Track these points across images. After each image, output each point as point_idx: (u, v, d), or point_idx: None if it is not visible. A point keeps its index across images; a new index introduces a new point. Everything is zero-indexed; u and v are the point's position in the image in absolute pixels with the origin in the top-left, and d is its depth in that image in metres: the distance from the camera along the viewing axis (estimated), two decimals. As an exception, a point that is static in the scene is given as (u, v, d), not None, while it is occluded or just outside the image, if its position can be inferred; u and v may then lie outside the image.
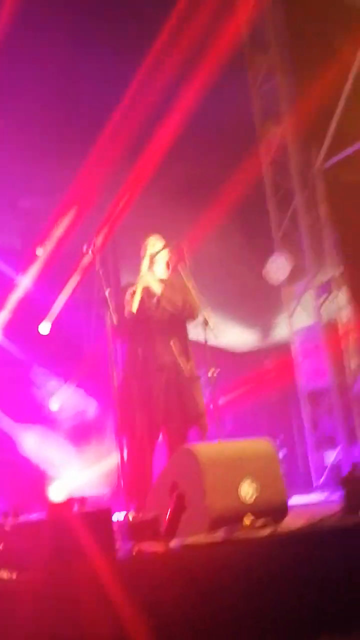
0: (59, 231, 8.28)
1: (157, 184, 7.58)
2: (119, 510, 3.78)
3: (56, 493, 7.04)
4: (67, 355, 8.16)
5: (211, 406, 4.84)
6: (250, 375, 8.97)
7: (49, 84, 7.33)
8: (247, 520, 3.47)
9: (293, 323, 7.05)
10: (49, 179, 7.82)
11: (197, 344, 4.90)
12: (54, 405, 7.65)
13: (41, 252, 8.05)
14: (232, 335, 9.87)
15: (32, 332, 7.87)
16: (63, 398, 7.66)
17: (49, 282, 8.20)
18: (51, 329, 8.03)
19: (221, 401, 5.51)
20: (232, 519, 3.48)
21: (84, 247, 4.80)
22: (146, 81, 7.02)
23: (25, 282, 8.03)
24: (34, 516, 2.89)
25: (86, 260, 8.31)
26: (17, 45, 6.55)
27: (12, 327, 7.80)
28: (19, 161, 7.60)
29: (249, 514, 3.51)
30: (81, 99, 7.50)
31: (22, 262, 8.07)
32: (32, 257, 8.10)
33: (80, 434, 7.40)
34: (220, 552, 3.10)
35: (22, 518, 2.84)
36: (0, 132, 7.34)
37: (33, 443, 7.00)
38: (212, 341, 4.79)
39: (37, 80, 7.26)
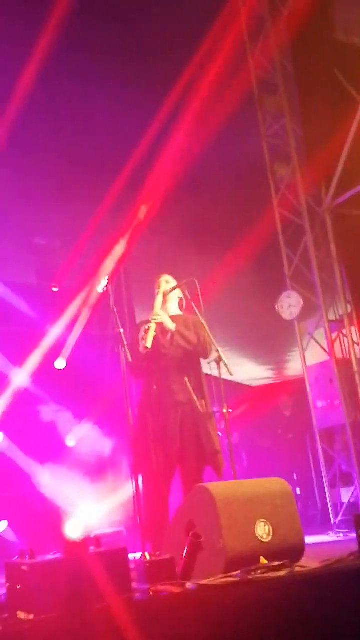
0: (73, 269, 8.42)
1: (169, 225, 7.69)
2: (135, 548, 3.78)
3: (72, 530, 7.01)
4: (83, 392, 8.19)
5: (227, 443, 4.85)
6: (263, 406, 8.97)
7: (65, 126, 7.53)
8: (264, 561, 3.46)
9: (306, 359, 7.06)
10: (65, 217, 7.95)
11: (211, 380, 4.93)
12: (70, 442, 7.66)
13: (56, 289, 8.17)
14: (245, 371, 9.89)
15: (48, 368, 7.93)
16: (79, 435, 7.67)
17: (63, 319, 8.28)
18: (67, 366, 8.09)
19: (235, 437, 5.49)
20: (248, 559, 3.47)
21: (99, 286, 4.90)
22: (160, 124, 7.19)
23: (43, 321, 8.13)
24: (51, 556, 2.90)
25: (99, 297, 8.50)
26: (35, 89, 6.76)
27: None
28: (35, 200, 7.74)
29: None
30: (96, 142, 7.67)
31: (37, 298, 8.17)
32: (48, 294, 8.21)
33: (97, 471, 7.38)
34: (237, 593, 3.09)
35: (39, 558, 2.85)
36: (17, 172, 7.52)
37: (49, 480, 7.00)
38: (227, 376, 4.82)
39: (53, 123, 7.46)
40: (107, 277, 4.86)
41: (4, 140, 7.14)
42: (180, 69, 7.25)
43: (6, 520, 6.72)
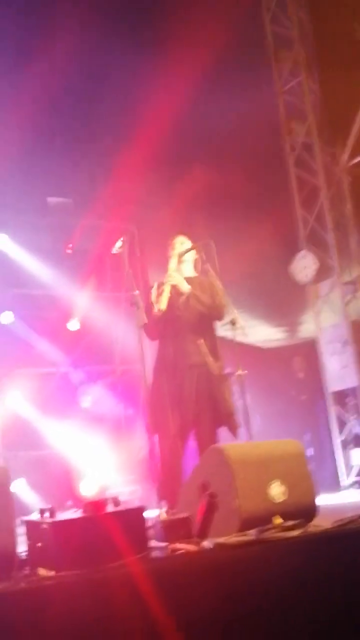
0: (87, 229, 8.39)
1: (182, 186, 7.62)
2: (151, 509, 3.84)
3: (87, 489, 7.14)
4: (97, 354, 8.24)
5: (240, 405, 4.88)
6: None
7: (79, 83, 7.42)
8: (277, 521, 3.50)
9: (319, 321, 7.04)
10: (79, 177, 7.90)
11: (225, 342, 4.94)
12: (85, 402, 7.74)
13: (70, 250, 8.15)
14: (259, 332, 9.88)
15: (62, 329, 7.98)
16: (95, 396, 7.74)
17: (77, 281, 8.29)
18: (80, 328, 8.12)
19: (248, 399, 5.52)
20: (262, 519, 3.51)
21: (114, 247, 4.87)
22: (172, 83, 7.07)
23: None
24: (70, 514, 2.96)
25: (112, 259, 8.48)
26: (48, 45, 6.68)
27: (42, 324, 7.91)
28: (49, 160, 7.68)
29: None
30: (110, 101, 7.57)
31: (52, 259, 8.17)
32: (62, 255, 8.20)
33: (112, 431, 7.48)
34: (253, 552, 3.14)
35: (59, 516, 2.91)
36: (30, 129, 7.45)
37: (64, 439, 7.10)
38: (241, 339, 4.82)
39: (67, 78, 7.34)
40: (122, 239, 4.82)
41: (15, 97, 7.08)
42: (191, 24, 7.11)
43: (23, 478, 6.84)
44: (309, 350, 8.69)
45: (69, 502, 6.82)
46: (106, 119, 7.70)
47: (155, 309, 4.73)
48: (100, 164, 7.86)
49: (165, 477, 4.50)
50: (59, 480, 7.14)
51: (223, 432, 4.74)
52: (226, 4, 7.14)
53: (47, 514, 2.92)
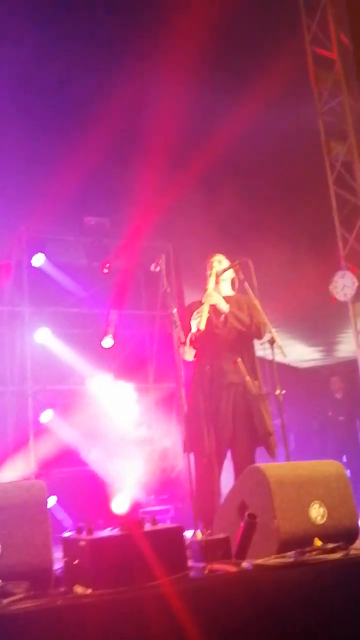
0: (123, 248, 8.44)
1: (221, 204, 7.62)
2: (187, 529, 3.78)
3: (120, 506, 7.10)
4: (131, 372, 8.24)
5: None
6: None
7: (116, 104, 7.50)
8: (318, 543, 3.42)
9: (359, 341, 6.94)
10: (115, 197, 7.96)
11: (263, 361, 4.89)
12: (120, 421, 7.72)
13: (107, 270, 8.20)
14: (295, 352, 9.79)
15: (97, 347, 8.00)
16: (129, 414, 7.72)
17: (112, 299, 8.33)
18: (115, 345, 8.13)
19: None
20: (301, 541, 3.43)
21: (152, 266, 4.87)
22: (212, 101, 7.11)
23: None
24: (108, 532, 2.92)
25: (149, 277, 8.50)
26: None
27: (76, 342, 7.94)
28: (85, 179, 7.76)
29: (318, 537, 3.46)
30: (146, 117, 7.63)
31: (89, 278, 8.22)
32: (98, 274, 8.25)
33: (146, 450, 7.44)
34: (292, 574, 3.06)
35: (97, 534, 2.87)
36: (67, 150, 7.53)
37: (98, 457, 7.09)
38: (279, 359, 4.76)
39: (105, 101, 7.44)
40: (162, 258, 4.82)
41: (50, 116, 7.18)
42: (232, 43, 7.15)
43: (55, 496, 6.82)
44: (347, 370, 8.56)
45: (101, 521, 6.79)
46: (142, 138, 7.76)
47: (195, 329, 4.69)
48: (137, 182, 7.91)
49: (201, 496, 4.44)
50: (91, 498, 7.11)
51: (260, 452, 4.67)
52: (268, 24, 7.17)
53: (84, 532, 2.89)
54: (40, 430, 7.38)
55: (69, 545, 2.91)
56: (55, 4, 6.78)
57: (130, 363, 8.38)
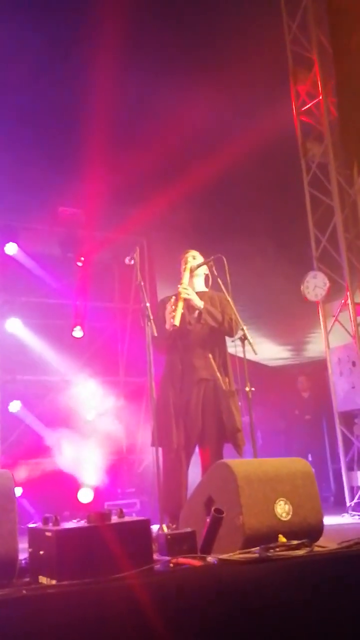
0: (97, 240, 8.40)
1: (193, 200, 7.63)
2: (154, 522, 3.80)
3: (85, 498, 7.09)
4: (102, 364, 8.22)
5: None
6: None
7: (95, 96, 7.46)
8: (282, 539, 3.46)
9: (328, 341, 7.01)
10: (90, 189, 7.91)
11: (234, 358, 4.91)
12: (89, 415, 7.70)
13: (81, 263, 8.16)
14: (264, 350, 9.86)
15: (69, 339, 7.96)
16: (99, 409, 7.70)
17: (86, 290, 8.29)
18: (87, 338, 8.10)
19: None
20: (267, 537, 3.47)
21: (126, 259, 4.86)
22: (187, 97, 7.11)
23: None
24: (74, 524, 2.92)
25: (122, 270, 8.48)
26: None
27: (47, 332, 7.90)
28: (60, 170, 7.70)
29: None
30: (120, 111, 7.62)
31: (61, 269, 8.17)
32: (71, 265, 8.20)
33: (113, 443, 7.43)
34: (257, 569, 3.09)
35: (63, 525, 2.87)
36: (43, 140, 7.48)
37: (66, 449, 7.06)
38: (250, 356, 4.79)
39: (80, 95, 7.40)
40: (137, 250, 4.81)
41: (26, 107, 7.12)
42: (209, 39, 7.16)
43: (20, 487, 6.78)
44: (315, 370, 8.65)
45: (67, 513, 6.77)
46: (117, 131, 7.73)
47: (168, 325, 4.69)
48: (111, 175, 7.88)
49: (168, 491, 4.45)
50: (57, 490, 7.08)
51: (228, 448, 4.70)
52: (248, 23, 7.19)
53: (50, 523, 2.88)
54: (8, 421, 7.33)
55: (34, 536, 2.91)
56: None
57: (101, 356, 8.36)
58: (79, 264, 8.13)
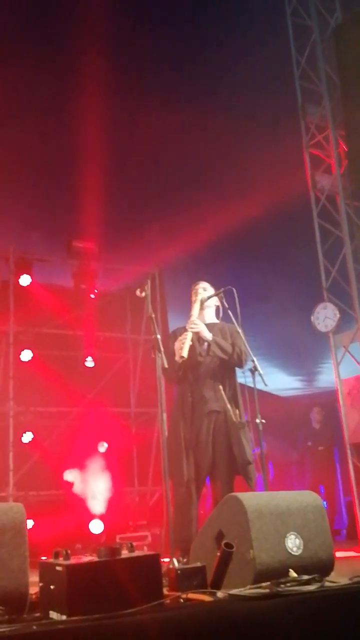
0: (110, 272, 8.50)
1: (206, 233, 7.72)
2: (164, 556, 3.79)
3: (97, 530, 7.06)
4: (113, 395, 8.25)
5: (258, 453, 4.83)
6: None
7: (114, 135, 7.61)
8: (293, 574, 3.44)
9: (340, 372, 7.01)
10: (102, 221, 8.03)
11: (244, 389, 4.93)
12: (101, 447, 7.71)
13: (94, 295, 8.25)
14: (275, 381, 9.84)
15: (81, 369, 8.01)
16: (110, 438, 7.72)
17: (98, 322, 8.37)
18: (98, 368, 8.15)
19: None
20: (277, 571, 3.45)
21: (137, 291, 4.90)
22: (198, 132, 7.24)
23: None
24: (85, 558, 2.93)
25: (134, 301, 8.55)
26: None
27: (63, 363, 7.95)
28: (72, 205, 7.84)
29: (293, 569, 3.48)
30: (135, 145, 7.76)
31: (75, 301, 8.26)
32: (85, 297, 8.29)
33: (125, 476, 7.42)
34: (266, 606, 3.07)
35: (74, 559, 2.87)
36: (56, 176, 7.62)
37: (78, 481, 7.06)
38: (260, 387, 4.80)
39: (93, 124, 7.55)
40: (148, 282, 4.86)
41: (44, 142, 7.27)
42: (221, 78, 7.31)
43: (32, 520, 6.77)
44: (326, 400, 8.62)
45: (78, 545, 6.74)
46: (130, 167, 7.88)
47: (177, 357, 4.72)
48: (124, 209, 8.01)
49: (178, 524, 4.44)
50: (68, 522, 7.06)
51: (239, 480, 4.69)
52: (259, 60, 7.36)
53: (61, 557, 2.89)
54: (20, 452, 7.34)
55: (45, 570, 2.92)
56: None
57: (112, 386, 8.39)
58: (92, 295, 8.21)
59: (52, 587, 2.82)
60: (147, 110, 7.40)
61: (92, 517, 7.11)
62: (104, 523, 7.12)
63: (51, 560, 2.93)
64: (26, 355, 7.69)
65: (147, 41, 7.53)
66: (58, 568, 2.79)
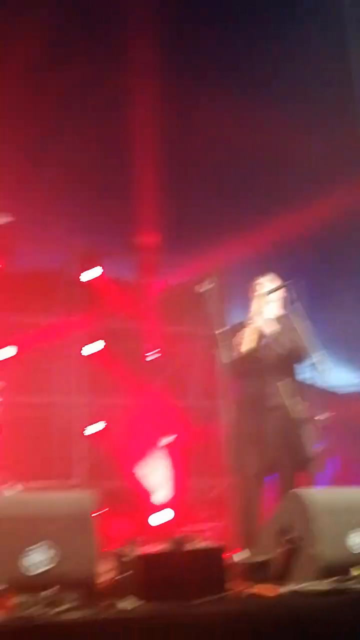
0: (173, 266, 8.59)
1: (271, 226, 7.71)
2: (228, 549, 3.86)
3: (160, 522, 7.18)
4: (176, 388, 8.35)
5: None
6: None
7: (171, 124, 7.67)
8: (356, 572, 3.46)
9: None
10: (168, 215, 8.12)
11: (306, 384, 4.93)
12: (166, 438, 7.83)
13: (158, 287, 8.38)
14: (340, 375, 9.74)
15: (144, 363, 8.15)
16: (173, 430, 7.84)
17: (160, 315, 8.48)
18: (160, 362, 8.27)
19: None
20: (339, 568, 3.48)
21: (199, 286, 4.97)
22: (260, 123, 7.22)
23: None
24: (155, 548, 3.02)
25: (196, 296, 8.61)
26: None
27: (128, 356, 8.11)
28: (138, 197, 7.95)
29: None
30: (198, 136, 7.80)
31: (138, 294, 8.40)
32: (148, 290, 8.42)
33: (188, 467, 7.52)
34: (329, 602, 3.11)
35: (145, 548, 2.98)
36: (116, 169, 7.75)
37: (145, 471, 7.21)
38: (322, 382, 4.80)
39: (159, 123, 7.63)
40: (210, 277, 4.92)
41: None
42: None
43: (102, 508, 6.93)
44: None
45: (142, 537, 6.87)
46: (193, 160, 7.92)
47: (237, 352, 4.77)
48: (189, 203, 8.06)
49: (242, 518, 4.50)
50: (132, 513, 7.21)
51: (302, 476, 4.71)
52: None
53: (133, 546, 3.00)
54: (87, 443, 7.55)
55: (118, 558, 3.03)
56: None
57: (174, 380, 8.49)
58: (155, 289, 8.33)
59: (124, 575, 2.93)
60: (210, 101, 7.42)
61: (155, 508, 7.24)
62: (167, 515, 7.23)
63: (124, 548, 3.04)
64: (93, 348, 7.88)
65: (205, 34, 7.54)
66: (132, 557, 2.90)
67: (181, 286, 8.81)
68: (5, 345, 7.46)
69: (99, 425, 7.64)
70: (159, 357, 8.37)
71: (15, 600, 2.77)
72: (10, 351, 7.45)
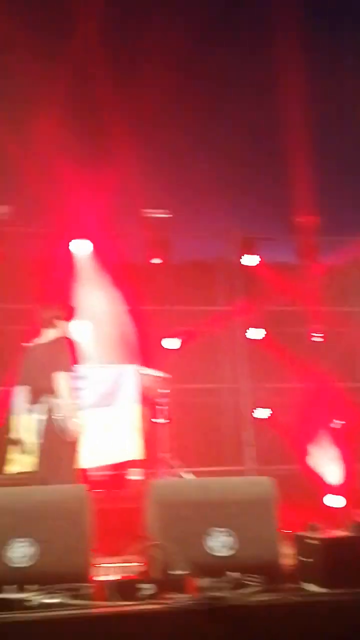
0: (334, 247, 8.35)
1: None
2: None
3: (334, 505, 7.02)
4: (344, 370, 8.11)
5: None
6: None
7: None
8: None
9: None
10: (324, 195, 7.90)
11: None
12: (335, 422, 7.65)
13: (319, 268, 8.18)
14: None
15: (309, 345, 8.00)
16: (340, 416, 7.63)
17: (324, 296, 8.28)
18: (327, 343, 8.07)
19: None
20: None
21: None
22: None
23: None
24: (339, 533, 2.93)
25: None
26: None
27: (291, 340, 7.99)
28: (295, 180, 7.81)
29: None
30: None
31: (300, 277, 8.24)
32: (310, 272, 8.24)
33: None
34: None
35: (329, 533, 2.90)
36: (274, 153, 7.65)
37: (316, 456, 7.10)
38: None
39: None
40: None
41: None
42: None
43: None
44: None
45: (317, 521, 6.75)
46: (348, 141, 7.65)
47: None
48: (345, 181, 7.81)
49: None
50: (305, 496, 7.10)
51: None
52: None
53: (316, 530, 2.93)
54: (256, 427, 7.54)
55: (300, 543, 2.97)
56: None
57: (341, 361, 8.25)
58: (317, 270, 8.14)
59: (308, 559, 2.87)
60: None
61: (328, 491, 7.08)
62: (339, 498, 7.05)
63: (306, 533, 2.98)
64: (257, 333, 7.86)
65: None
66: (314, 541, 2.83)
67: (344, 266, 8.55)
68: (171, 336, 7.65)
69: (267, 411, 7.59)
70: (324, 339, 8.17)
71: (200, 582, 2.79)
72: (176, 342, 7.62)
